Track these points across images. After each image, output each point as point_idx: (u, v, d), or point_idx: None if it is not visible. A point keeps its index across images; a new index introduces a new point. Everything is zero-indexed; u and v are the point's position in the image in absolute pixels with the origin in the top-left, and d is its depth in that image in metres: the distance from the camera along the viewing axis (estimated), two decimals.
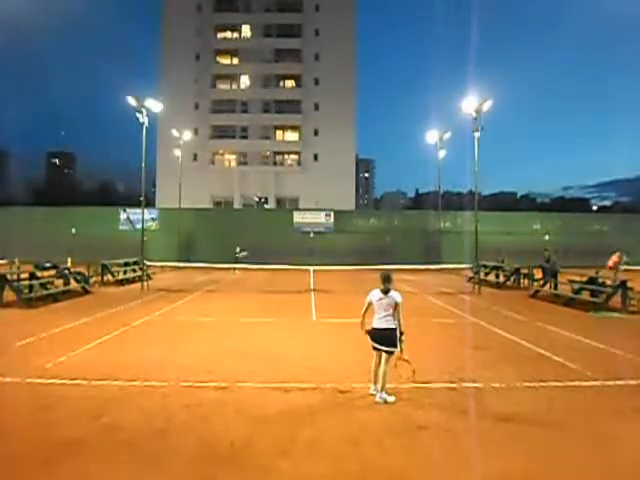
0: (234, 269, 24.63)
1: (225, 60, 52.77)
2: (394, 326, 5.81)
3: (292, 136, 52.05)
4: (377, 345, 5.90)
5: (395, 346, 5.80)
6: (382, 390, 5.86)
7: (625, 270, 16.84)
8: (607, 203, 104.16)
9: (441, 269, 25.15)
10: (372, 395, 5.98)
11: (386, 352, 5.84)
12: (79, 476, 4.02)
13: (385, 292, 5.89)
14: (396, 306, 5.82)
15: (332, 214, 32.80)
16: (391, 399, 5.82)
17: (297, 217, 32.82)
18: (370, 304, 5.98)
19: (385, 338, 5.82)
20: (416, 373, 6.07)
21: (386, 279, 5.90)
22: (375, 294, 5.96)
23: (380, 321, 5.87)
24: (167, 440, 4.69)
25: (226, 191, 49.33)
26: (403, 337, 5.86)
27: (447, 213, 32.72)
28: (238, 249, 26.33)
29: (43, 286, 14.73)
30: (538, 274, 18.51)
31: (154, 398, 5.91)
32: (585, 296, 14.35)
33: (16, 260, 19.05)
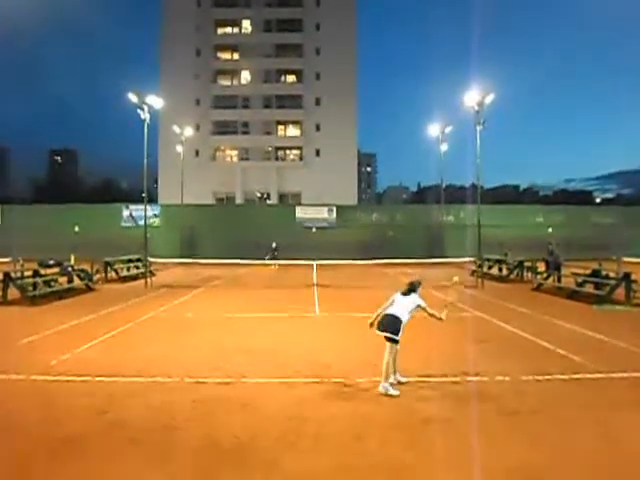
0: (274, 265, 24.65)
1: (226, 55, 52.48)
2: (401, 317, 5.90)
3: (294, 131, 51.86)
4: (379, 331, 5.97)
5: (396, 334, 5.86)
6: (385, 380, 5.91)
7: (630, 262, 16.78)
8: (610, 195, 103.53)
9: (444, 263, 25.11)
10: (401, 384, 6.15)
11: (387, 340, 5.90)
12: (84, 472, 4.04)
13: (405, 294, 6.19)
14: (417, 307, 6.07)
15: (334, 209, 32.76)
16: (394, 392, 5.84)
17: (299, 212, 32.80)
18: (393, 301, 6.17)
19: (388, 322, 5.92)
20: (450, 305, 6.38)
21: (413, 283, 6.31)
22: (397, 294, 6.23)
23: (393, 309, 6.03)
24: (172, 436, 4.71)
25: (228, 187, 49.27)
26: (444, 314, 6.20)
27: (450, 207, 32.64)
28: (274, 244, 26.31)
29: (47, 284, 14.79)
30: (541, 267, 18.47)
31: (159, 394, 5.93)
32: (588, 289, 14.32)
33: (19, 258, 19.10)
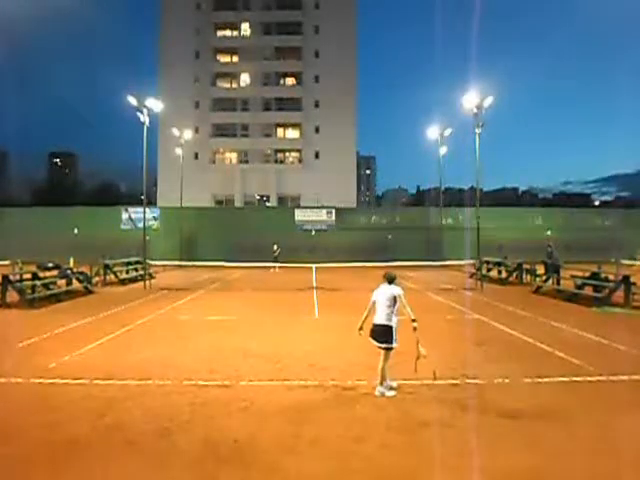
0: (274, 267, 24.64)
1: (225, 58, 52.59)
2: (391, 324, 5.88)
3: (293, 134, 51.92)
4: (373, 341, 5.98)
5: (390, 342, 5.86)
6: (381, 384, 5.94)
7: (629, 265, 16.81)
8: (608, 198, 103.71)
9: (443, 265, 25.11)
10: (392, 389, 6.08)
11: (382, 348, 5.90)
12: (83, 476, 4.04)
13: (389, 283, 6.08)
14: (395, 299, 5.91)
15: (333, 211, 32.78)
16: (390, 393, 5.88)
17: (299, 215, 32.81)
18: (374, 302, 6.09)
19: (380, 333, 5.91)
20: (437, 374, 6.19)
21: (388, 279, 6.12)
22: (377, 292, 6.12)
23: (378, 317, 5.98)
24: (171, 439, 4.70)
25: (227, 189, 49.28)
26: (415, 324, 5.81)
27: (448, 209, 32.64)
28: (275, 247, 26.36)
29: (46, 286, 14.76)
30: (540, 270, 18.47)
31: (157, 397, 5.92)
32: (588, 291, 14.32)
33: (18, 261, 19.08)
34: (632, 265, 19.42)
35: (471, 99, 17.77)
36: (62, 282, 15.88)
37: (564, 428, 4.96)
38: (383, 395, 5.86)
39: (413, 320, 5.85)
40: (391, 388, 6.05)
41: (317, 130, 50.15)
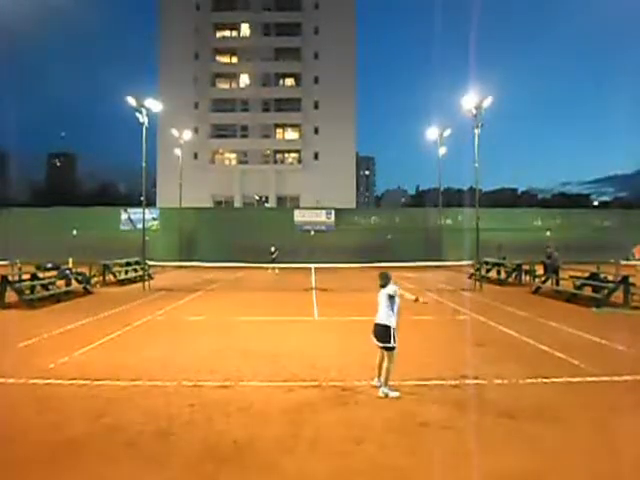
0: (273, 269, 24.58)
1: (224, 59, 52.61)
2: (390, 324, 5.93)
3: (292, 134, 51.94)
4: (374, 340, 6.05)
5: (388, 342, 5.90)
6: (385, 385, 5.95)
7: (628, 265, 16.81)
8: (606, 199, 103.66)
9: (442, 266, 25.12)
10: (375, 388, 6.10)
11: (382, 348, 5.96)
12: (82, 476, 4.03)
13: (382, 287, 6.16)
14: (392, 298, 6.01)
15: (333, 212, 32.77)
16: (394, 394, 5.88)
17: (298, 216, 32.79)
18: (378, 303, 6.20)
19: (378, 333, 5.99)
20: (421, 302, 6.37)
21: (381, 277, 6.23)
22: (380, 292, 6.20)
23: (378, 317, 6.06)
24: (170, 440, 4.69)
25: (227, 190, 49.27)
26: (420, 299, 6.31)
27: (448, 210, 32.68)
28: (273, 249, 26.35)
29: (45, 287, 14.75)
30: (540, 270, 18.49)
31: (157, 398, 5.91)
32: (587, 292, 14.34)
33: (17, 261, 19.05)
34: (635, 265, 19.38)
35: (470, 100, 17.80)
36: (61, 282, 15.86)
37: (564, 428, 4.96)
38: (387, 396, 5.87)
39: (416, 299, 6.21)
40: (376, 386, 6.08)
41: (316, 131, 50.17)
